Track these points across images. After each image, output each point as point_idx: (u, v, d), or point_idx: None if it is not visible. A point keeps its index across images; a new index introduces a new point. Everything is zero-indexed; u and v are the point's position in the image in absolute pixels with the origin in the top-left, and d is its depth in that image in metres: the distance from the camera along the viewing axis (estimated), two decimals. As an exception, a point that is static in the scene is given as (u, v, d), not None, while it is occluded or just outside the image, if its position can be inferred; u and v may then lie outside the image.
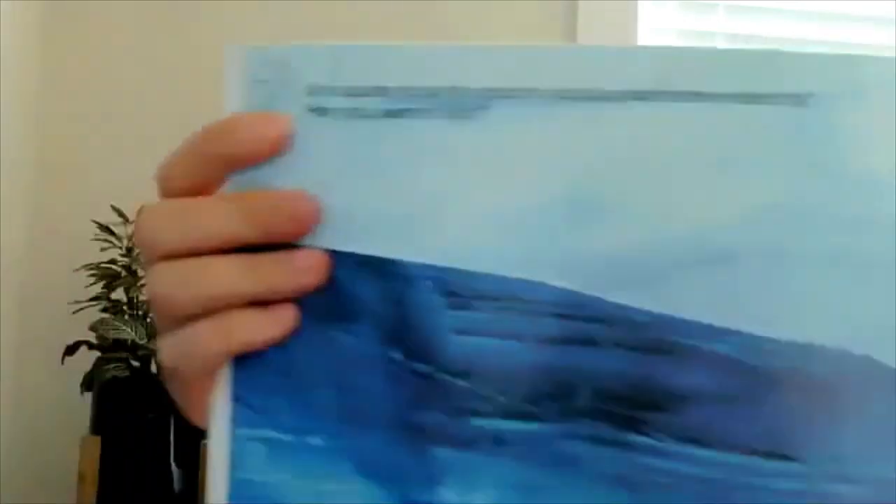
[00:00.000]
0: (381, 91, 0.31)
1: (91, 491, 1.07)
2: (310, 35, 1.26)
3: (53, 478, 1.19)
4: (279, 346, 0.31)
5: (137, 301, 1.12)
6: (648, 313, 0.30)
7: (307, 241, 0.31)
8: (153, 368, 1.10)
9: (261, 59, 0.32)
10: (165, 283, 0.32)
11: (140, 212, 0.34)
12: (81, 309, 1.11)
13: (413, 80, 0.31)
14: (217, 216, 0.31)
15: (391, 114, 0.31)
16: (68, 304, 1.12)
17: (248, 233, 0.31)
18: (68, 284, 1.14)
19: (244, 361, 0.31)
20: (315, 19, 1.28)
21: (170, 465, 1.11)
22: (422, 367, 0.31)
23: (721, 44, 1.33)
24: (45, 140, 1.26)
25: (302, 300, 0.31)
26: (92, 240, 1.13)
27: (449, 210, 0.31)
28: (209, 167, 0.32)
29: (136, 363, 1.10)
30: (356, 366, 0.31)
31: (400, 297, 0.31)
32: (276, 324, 0.31)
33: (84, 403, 1.12)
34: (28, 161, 1.25)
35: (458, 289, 0.31)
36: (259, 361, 0.31)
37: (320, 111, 0.31)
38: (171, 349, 0.33)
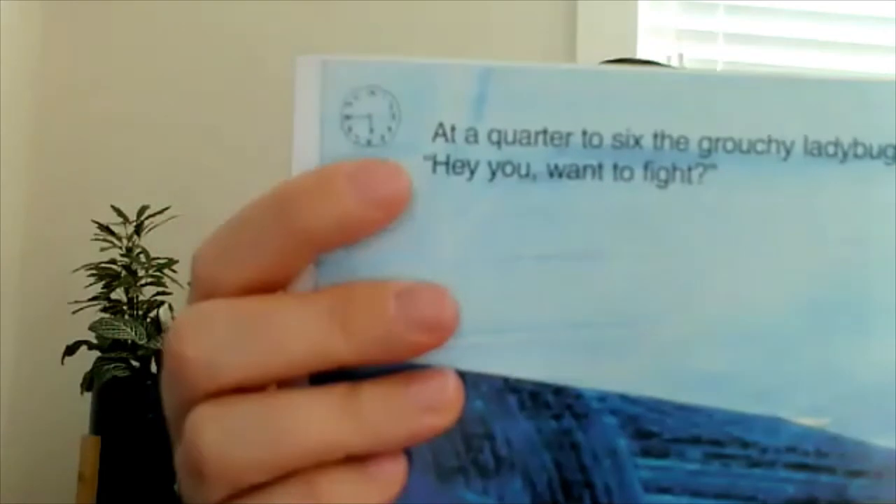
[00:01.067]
0: (550, 137, 0.22)
1: (91, 491, 1.07)
2: (314, 39, 1.26)
3: (53, 478, 1.19)
4: None
5: (137, 301, 1.12)
6: None
7: (426, 357, 0.21)
8: (153, 368, 1.10)
9: (357, 80, 0.22)
10: (227, 436, 0.21)
11: (179, 319, 0.22)
12: (81, 309, 1.11)
13: (602, 122, 0.22)
14: (305, 329, 0.21)
15: (564, 173, 0.22)
16: (68, 303, 1.12)
17: (348, 351, 0.21)
18: (68, 284, 1.14)
19: None
20: (316, 19, 1.28)
21: (170, 465, 1.11)
22: None
23: (721, 44, 1.33)
24: (44, 140, 1.26)
25: (414, 448, 0.22)
26: (92, 240, 1.13)
27: (649, 317, 0.22)
28: (288, 249, 0.22)
29: (136, 363, 1.10)
30: None
31: (566, 441, 0.22)
32: (380, 490, 0.21)
33: (84, 403, 1.11)
34: (27, 161, 1.25)
35: (653, 427, 0.22)
36: None
37: (453, 166, 0.22)
38: None
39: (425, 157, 0.22)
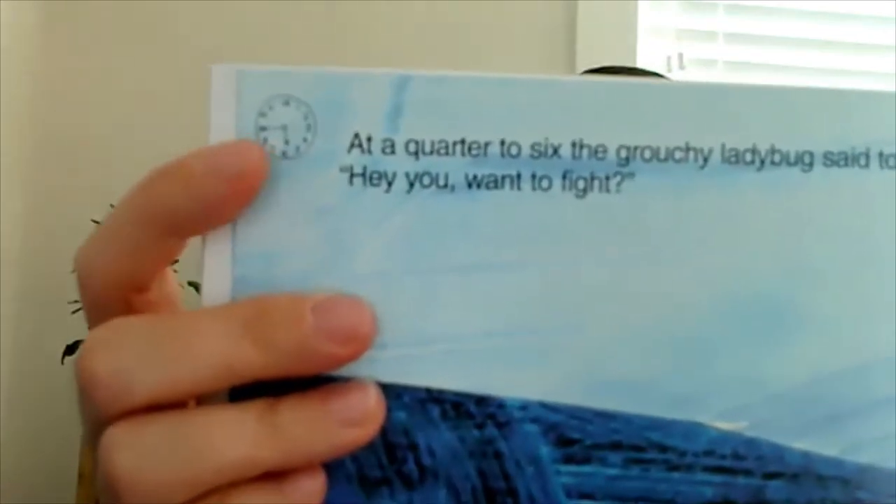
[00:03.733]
0: (468, 147, 0.21)
1: (91, 491, 1.07)
2: (315, 44, 1.26)
3: (53, 478, 1.19)
4: None
5: (137, 301, 1.12)
6: (841, 464, 0.22)
7: (349, 370, 0.21)
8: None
9: (271, 90, 0.21)
10: (140, 457, 0.20)
11: (90, 336, 0.21)
12: (81, 309, 1.11)
13: (520, 132, 0.21)
14: (218, 342, 0.20)
15: (482, 183, 0.21)
16: (68, 303, 1.12)
17: (262, 364, 0.20)
18: (68, 284, 1.14)
19: None
20: (317, 20, 1.28)
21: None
22: None
23: (721, 44, 1.33)
24: (44, 139, 1.26)
25: (334, 462, 0.21)
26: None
27: (568, 325, 0.22)
28: (147, 233, 0.21)
29: (135, 363, 1.10)
30: None
31: (489, 449, 0.22)
32: None
33: (84, 403, 1.12)
34: (27, 160, 1.24)
35: (574, 434, 0.22)
36: None
37: (370, 177, 0.21)
38: None
39: (342, 169, 0.21)
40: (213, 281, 0.22)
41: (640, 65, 1.25)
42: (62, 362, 1.11)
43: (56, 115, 1.26)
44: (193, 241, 0.23)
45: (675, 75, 1.28)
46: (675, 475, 0.22)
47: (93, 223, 1.19)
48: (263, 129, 0.22)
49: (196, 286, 0.88)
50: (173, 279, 0.24)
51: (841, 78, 1.34)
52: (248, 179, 0.21)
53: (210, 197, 0.21)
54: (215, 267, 0.22)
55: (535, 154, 0.22)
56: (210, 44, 1.26)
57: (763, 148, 0.22)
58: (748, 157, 0.22)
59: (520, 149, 0.22)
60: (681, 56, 1.31)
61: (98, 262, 0.22)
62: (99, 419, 0.21)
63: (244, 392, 0.21)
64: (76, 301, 0.90)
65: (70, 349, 1.11)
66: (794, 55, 1.34)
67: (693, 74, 1.31)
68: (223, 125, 0.22)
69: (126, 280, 0.22)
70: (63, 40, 1.27)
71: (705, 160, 0.22)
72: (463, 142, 0.21)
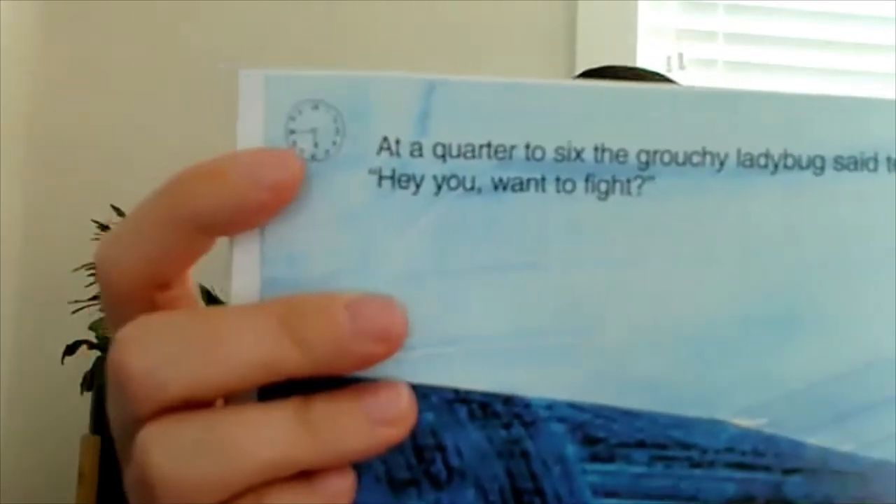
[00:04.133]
0: (494, 151, 0.22)
1: (91, 491, 1.07)
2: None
3: (53, 477, 1.19)
4: None
5: (137, 301, 1.12)
6: (856, 459, 0.22)
7: (378, 370, 0.21)
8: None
9: (300, 94, 0.22)
10: (179, 456, 0.20)
11: (123, 332, 0.21)
12: (81, 309, 1.11)
13: (545, 136, 0.22)
14: (256, 339, 0.20)
15: (508, 185, 0.22)
16: (68, 303, 1.12)
17: (299, 362, 0.20)
18: (68, 284, 1.14)
19: None
20: (318, 20, 1.28)
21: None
22: None
23: (721, 43, 1.33)
24: (44, 139, 1.26)
25: (363, 463, 0.21)
26: (92, 239, 1.12)
27: (592, 325, 0.22)
28: (175, 233, 0.21)
29: (135, 363, 1.10)
30: None
31: (516, 449, 0.22)
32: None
33: (84, 403, 1.11)
34: (27, 160, 1.24)
35: (600, 433, 0.22)
36: None
37: (399, 180, 0.22)
38: None
39: (370, 171, 0.22)
40: (242, 282, 0.22)
41: (640, 65, 1.25)
42: (62, 362, 1.11)
43: (56, 115, 1.26)
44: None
45: (675, 75, 1.28)
46: (698, 472, 0.22)
47: (93, 223, 1.18)
48: (293, 132, 0.22)
49: (203, 289, 0.88)
50: (190, 276, 0.24)
51: (841, 78, 1.34)
52: (287, 190, 0.21)
53: (248, 204, 0.21)
54: (244, 268, 0.22)
55: (559, 157, 0.22)
56: (210, 44, 1.26)
57: (776, 152, 0.23)
58: (762, 161, 0.23)
59: (544, 152, 0.22)
60: (681, 56, 1.31)
61: (124, 260, 0.22)
62: (132, 417, 0.21)
63: (270, 391, 0.21)
64: (76, 301, 0.90)
65: (70, 349, 1.11)
66: (794, 55, 1.34)
67: (693, 74, 1.31)
68: (251, 128, 0.22)
69: (153, 278, 0.22)
70: (63, 40, 1.27)
71: (721, 164, 0.23)
72: (489, 145, 0.22)
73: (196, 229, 0.21)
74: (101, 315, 1.10)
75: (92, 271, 1.12)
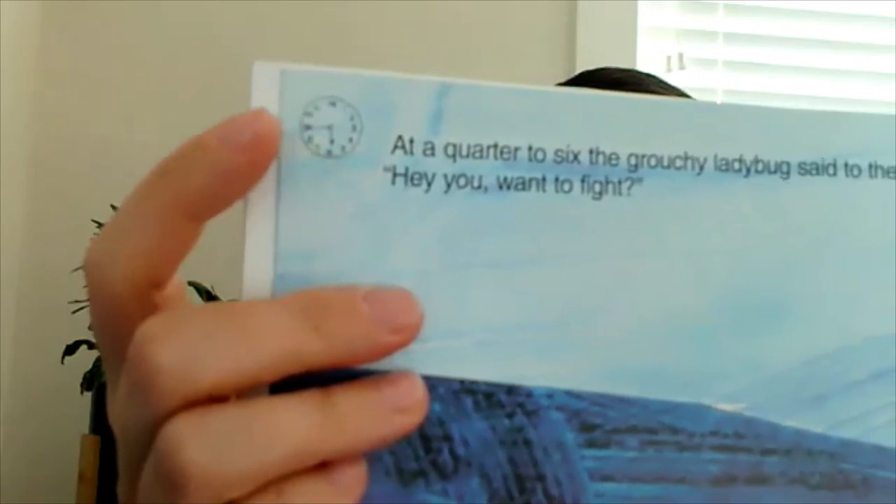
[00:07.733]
0: (501, 151, 0.23)
1: (91, 490, 1.07)
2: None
3: (53, 478, 1.19)
4: None
5: (137, 301, 1.12)
6: (827, 439, 0.24)
7: (388, 362, 0.22)
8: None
9: (317, 91, 0.22)
10: (212, 448, 0.20)
11: (146, 327, 0.21)
12: (81, 309, 1.11)
13: (546, 138, 0.23)
14: (280, 330, 0.21)
15: (512, 185, 0.23)
16: (68, 303, 1.12)
17: (322, 352, 0.21)
18: (68, 284, 1.14)
19: None
20: (319, 21, 1.28)
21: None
22: None
23: (721, 44, 1.33)
24: (43, 139, 1.26)
25: (372, 455, 0.22)
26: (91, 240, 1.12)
27: (587, 316, 0.23)
28: (166, 218, 0.21)
29: (135, 363, 1.10)
30: None
31: (518, 437, 0.23)
32: (344, 494, 0.21)
33: (84, 403, 1.11)
34: (27, 160, 1.25)
35: (596, 419, 0.23)
36: None
37: (412, 177, 0.23)
38: None
39: (385, 169, 0.23)
40: (254, 277, 0.22)
41: (639, 65, 1.25)
42: (62, 362, 1.12)
43: (56, 116, 1.26)
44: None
45: (675, 75, 1.28)
46: (685, 455, 0.24)
47: (93, 223, 1.18)
48: (308, 127, 0.22)
49: (196, 286, 0.88)
50: (176, 276, 0.24)
51: (841, 78, 1.34)
52: (261, 146, 0.21)
53: (226, 168, 0.21)
54: (257, 264, 0.22)
55: (558, 159, 0.24)
56: (210, 44, 1.26)
57: (748, 158, 0.25)
58: (736, 165, 0.25)
59: (545, 154, 0.24)
60: (681, 56, 1.31)
61: (118, 258, 0.22)
62: (156, 412, 0.21)
63: (279, 386, 0.22)
64: (76, 301, 0.90)
65: (70, 349, 1.11)
66: (794, 55, 1.34)
67: (693, 74, 1.31)
68: None
69: (148, 274, 0.22)
70: (63, 40, 1.27)
71: (701, 168, 0.25)
72: (496, 146, 0.23)
73: (185, 211, 0.21)
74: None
75: (92, 271, 1.12)
